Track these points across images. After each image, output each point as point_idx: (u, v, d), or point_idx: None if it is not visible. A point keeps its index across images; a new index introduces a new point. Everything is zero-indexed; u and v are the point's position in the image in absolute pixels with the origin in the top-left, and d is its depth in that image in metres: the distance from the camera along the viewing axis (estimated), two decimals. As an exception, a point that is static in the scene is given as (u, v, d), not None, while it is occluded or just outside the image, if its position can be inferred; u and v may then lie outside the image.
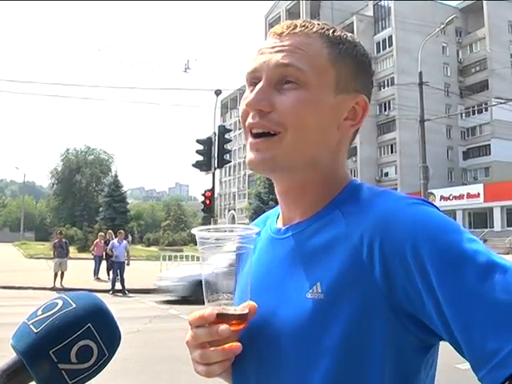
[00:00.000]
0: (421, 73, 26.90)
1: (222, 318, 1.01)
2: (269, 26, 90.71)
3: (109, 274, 21.57)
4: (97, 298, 0.88)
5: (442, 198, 60.03)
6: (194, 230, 1.07)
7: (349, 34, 1.15)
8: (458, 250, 0.90)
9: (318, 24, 1.13)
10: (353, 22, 77.14)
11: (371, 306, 0.95)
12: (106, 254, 21.75)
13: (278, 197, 1.18)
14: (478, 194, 57.02)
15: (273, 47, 1.09)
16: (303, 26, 1.10)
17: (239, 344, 1.05)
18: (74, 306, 0.83)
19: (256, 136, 1.09)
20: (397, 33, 72.68)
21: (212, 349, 1.04)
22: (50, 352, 0.79)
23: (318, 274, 1.02)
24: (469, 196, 58.18)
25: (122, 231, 20.70)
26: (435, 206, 1.03)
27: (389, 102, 73.09)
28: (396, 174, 71.50)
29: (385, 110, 73.81)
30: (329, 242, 1.04)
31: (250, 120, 1.10)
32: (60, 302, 0.84)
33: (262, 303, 1.08)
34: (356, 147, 73.91)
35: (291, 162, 1.08)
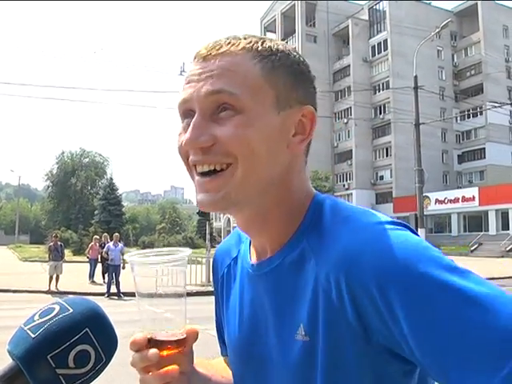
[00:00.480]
0: (416, 76, 26.98)
1: (155, 342, 1.01)
2: (264, 29, 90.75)
3: (104, 278, 21.51)
4: (94, 303, 0.88)
5: (437, 201, 60.19)
6: (126, 256, 1.04)
7: (280, 43, 1.06)
8: (426, 286, 0.82)
9: (245, 38, 1.02)
10: (348, 26, 77.40)
11: (350, 345, 0.92)
12: (102, 257, 21.71)
13: (240, 230, 1.14)
14: (473, 197, 57.17)
15: (200, 74, 0.99)
16: (228, 43, 1.00)
17: (176, 367, 1.01)
18: (71, 310, 0.83)
19: (202, 174, 1.00)
20: (392, 36, 72.87)
21: (150, 374, 1.02)
22: (48, 357, 0.79)
23: (300, 315, 0.99)
24: (464, 199, 58.34)
25: (117, 234, 20.55)
26: (407, 227, 0.95)
27: (384, 106, 73.25)
28: (391, 177, 71.60)
29: (380, 113, 73.98)
30: (303, 281, 0.99)
31: (192, 158, 1.00)
32: (57, 307, 0.84)
33: (254, 348, 1.09)
34: (351, 150, 74.08)
35: (244, 195, 0.99)
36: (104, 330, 0.86)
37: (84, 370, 0.82)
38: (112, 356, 0.87)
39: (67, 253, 28.85)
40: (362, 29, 77.51)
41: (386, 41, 74.38)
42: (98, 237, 24.02)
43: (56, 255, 19.38)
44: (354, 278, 0.88)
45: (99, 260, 22.20)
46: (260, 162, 0.98)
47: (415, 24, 67.60)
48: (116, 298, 18.02)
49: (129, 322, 13.18)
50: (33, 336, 0.80)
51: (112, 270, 18.67)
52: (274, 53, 1.02)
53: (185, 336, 1.03)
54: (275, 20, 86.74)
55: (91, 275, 22.05)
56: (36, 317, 0.83)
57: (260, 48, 1.01)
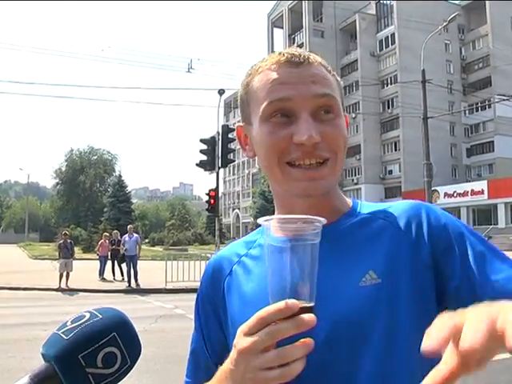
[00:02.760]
0: (423, 70, 26.89)
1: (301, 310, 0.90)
2: (271, 24, 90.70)
3: (114, 274, 21.72)
4: (121, 311, 0.95)
5: (445, 195, 60.01)
6: (259, 220, 0.98)
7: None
8: (468, 229, 1.18)
9: (315, 54, 1.22)
10: (355, 21, 77.21)
11: (424, 282, 1.12)
12: (112, 254, 21.96)
13: (295, 206, 1.20)
14: (482, 190, 56.95)
15: (299, 77, 1.13)
16: (310, 56, 1.18)
17: (311, 339, 0.91)
18: (101, 317, 0.90)
19: (305, 166, 1.15)
20: (399, 31, 72.68)
21: (293, 345, 0.89)
22: (79, 356, 0.85)
23: (368, 263, 1.12)
24: (473, 193, 58.11)
25: (131, 226, 21.65)
26: None
27: (392, 100, 73.10)
28: (400, 171, 71.48)
29: (388, 107, 73.81)
30: (371, 235, 1.18)
31: (297, 154, 1.13)
32: (87, 315, 0.90)
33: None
34: (360, 145, 73.92)
35: (335, 183, 1.22)
36: (130, 336, 0.92)
37: (111, 370, 0.88)
38: (136, 361, 0.93)
39: (77, 250, 28.94)
40: (369, 23, 77.34)
41: (393, 35, 74.18)
42: (107, 234, 24.18)
43: (66, 253, 19.46)
44: (431, 224, 1.16)
45: (109, 257, 22.34)
46: (343, 158, 1.19)
47: (423, 18, 67.30)
48: (132, 294, 18.11)
49: (139, 318, 13.18)
50: (66, 338, 0.86)
51: (128, 260, 19.44)
52: (332, 70, 1.24)
53: (313, 304, 0.93)
54: (282, 15, 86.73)
55: (101, 272, 22.15)
56: (68, 323, 0.89)
57: (327, 65, 1.22)
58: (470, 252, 1.12)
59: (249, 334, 0.90)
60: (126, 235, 20.24)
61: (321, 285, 1.00)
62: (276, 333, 0.88)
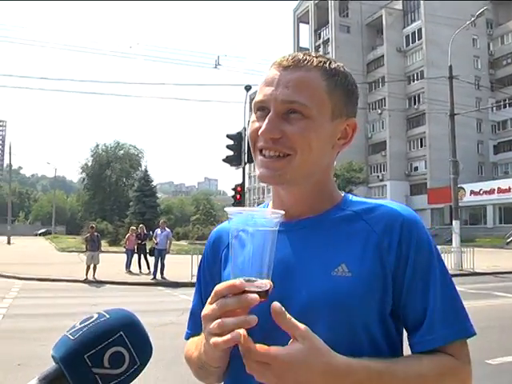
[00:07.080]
0: (451, 66, 26.81)
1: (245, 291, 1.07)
2: (297, 20, 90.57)
3: (140, 267, 21.99)
4: (129, 312, 0.95)
5: (472, 192, 59.58)
6: (227, 208, 1.20)
7: (341, 65, 1.36)
8: (440, 265, 1.30)
9: (317, 57, 1.32)
10: (381, 16, 76.83)
11: (385, 285, 1.24)
12: (138, 247, 22.27)
13: (281, 196, 1.39)
14: (509, 188, 56.51)
15: (279, 80, 1.28)
16: (305, 60, 1.30)
17: (255, 316, 1.06)
18: (108, 316, 0.90)
19: (266, 157, 1.30)
20: (426, 26, 72.24)
21: (231, 318, 1.05)
22: (85, 356, 0.85)
23: (342, 257, 1.25)
24: (499, 191, 57.69)
25: (164, 220, 22.28)
26: None
27: (418, 96, 72.65)
28: (425, 168, 71.09)
29: (414, 103, 73.38)
30: (350, 233, 1.29)
31: (261, 143, 1.29)
32: (95, 315, 0.91)
33: (280, 286, 1.18)
34: (385, 141, 73.60)
35: (295, 177, 1.29)
36: (138, 336, 0.91)
37: (119, 370, 0.87)
38: (147, 361, 0.92)
39: (103, 243, 29.27)
40: (395, 18, 76.94)
41: (420, 30, 73.74)
42: (134, 228, 24.41)
43: (93, 245, 19.82)
44: (406, 234, 1.26)
45: (135, 250, 22.61)
46: (312, 157, 1.28)
47: (450, 12, 66.69)
48: (152, 287, 18.33)
49: (165, 310, 13.37)
50: (72, 339, 0.86)
51: (157, 253, 19.93)
52: (337, 73, 1.32)
53: (268, 287, 1.09)
54: (308, 11, 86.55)
55: (128, 265, 22.43)
56: (77, 324, 0.90)
57: (328, 68, 1.31)
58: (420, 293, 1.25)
59: (209, 303, 1.11)
60: (158, 229, 20.62)
61: (297, 267, 1.27)
62: (224, 305, 1.07)
